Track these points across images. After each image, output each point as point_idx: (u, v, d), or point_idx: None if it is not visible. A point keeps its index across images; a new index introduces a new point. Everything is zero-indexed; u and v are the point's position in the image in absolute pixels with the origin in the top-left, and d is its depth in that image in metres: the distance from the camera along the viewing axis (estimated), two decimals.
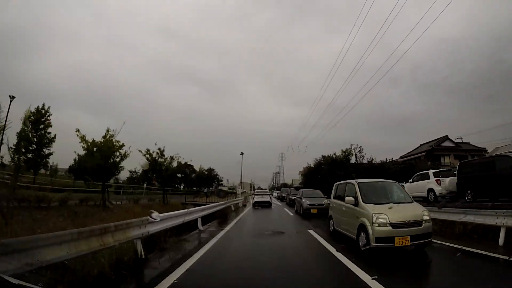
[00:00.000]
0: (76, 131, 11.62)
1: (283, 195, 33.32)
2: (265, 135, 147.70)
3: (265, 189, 46.09)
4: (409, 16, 21.48)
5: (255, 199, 21.30)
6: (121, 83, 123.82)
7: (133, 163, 37.86)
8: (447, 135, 34.24)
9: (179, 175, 33.47)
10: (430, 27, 26.09)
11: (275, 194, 51.33)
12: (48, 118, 19.10)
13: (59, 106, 72.82)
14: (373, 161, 24.69)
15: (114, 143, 12.06)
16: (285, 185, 64.34)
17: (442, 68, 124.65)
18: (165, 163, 17.65)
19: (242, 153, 50.14)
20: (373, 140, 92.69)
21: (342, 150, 25.57)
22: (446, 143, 33.64)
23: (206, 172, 49.70)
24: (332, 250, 5.77)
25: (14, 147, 7.92)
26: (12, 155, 7.61)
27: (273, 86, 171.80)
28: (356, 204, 6.18)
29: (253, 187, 72.46)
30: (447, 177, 11.48)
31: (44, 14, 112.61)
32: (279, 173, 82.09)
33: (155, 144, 18.22)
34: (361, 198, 6.10)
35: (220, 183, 61.62)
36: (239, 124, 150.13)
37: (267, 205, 20.10)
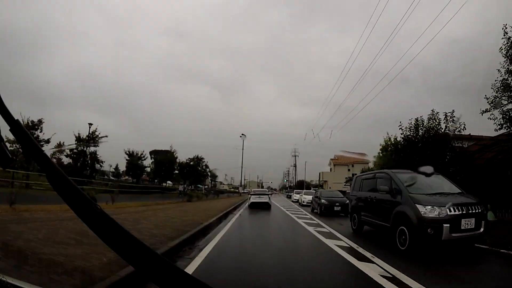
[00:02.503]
0: None
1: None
2: (276, 136, 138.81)
3: (265, 189, 37.97)
4: (417, 17, 17.53)
5: (251, 200, 19.10)
6: (132, 83, 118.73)
7: None
8: None
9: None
10: (437, 26, 20.24)
11: (302, 197, 23.01)
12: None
13: (69, 107, 71.03)
14: None
15: None
16: (301, 183, 50.59)
17: (454, 68, 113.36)
18: None
19: (243, 135, 40.67)
20: (380, 140, 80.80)
21: None
22: None
23: (190, 163, 36.26)
24: None
25: None
26: None
27: (283, 87, 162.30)
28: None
29: (262, 186, 63.27)
30: None
31: (54, 16, 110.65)
32: (295, 166, 65.43)
33: None
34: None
35: (214, 179, 50.67)
36: (249, 124, 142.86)
37: (265, 207, 18.02)
